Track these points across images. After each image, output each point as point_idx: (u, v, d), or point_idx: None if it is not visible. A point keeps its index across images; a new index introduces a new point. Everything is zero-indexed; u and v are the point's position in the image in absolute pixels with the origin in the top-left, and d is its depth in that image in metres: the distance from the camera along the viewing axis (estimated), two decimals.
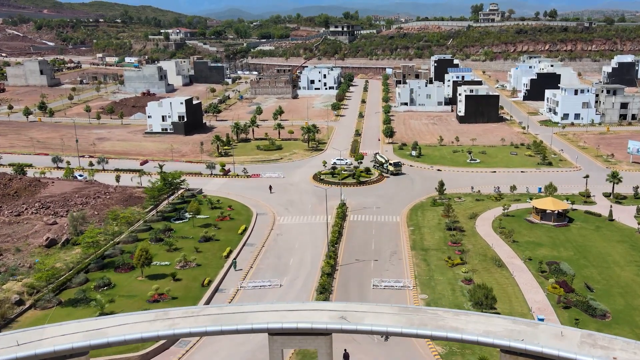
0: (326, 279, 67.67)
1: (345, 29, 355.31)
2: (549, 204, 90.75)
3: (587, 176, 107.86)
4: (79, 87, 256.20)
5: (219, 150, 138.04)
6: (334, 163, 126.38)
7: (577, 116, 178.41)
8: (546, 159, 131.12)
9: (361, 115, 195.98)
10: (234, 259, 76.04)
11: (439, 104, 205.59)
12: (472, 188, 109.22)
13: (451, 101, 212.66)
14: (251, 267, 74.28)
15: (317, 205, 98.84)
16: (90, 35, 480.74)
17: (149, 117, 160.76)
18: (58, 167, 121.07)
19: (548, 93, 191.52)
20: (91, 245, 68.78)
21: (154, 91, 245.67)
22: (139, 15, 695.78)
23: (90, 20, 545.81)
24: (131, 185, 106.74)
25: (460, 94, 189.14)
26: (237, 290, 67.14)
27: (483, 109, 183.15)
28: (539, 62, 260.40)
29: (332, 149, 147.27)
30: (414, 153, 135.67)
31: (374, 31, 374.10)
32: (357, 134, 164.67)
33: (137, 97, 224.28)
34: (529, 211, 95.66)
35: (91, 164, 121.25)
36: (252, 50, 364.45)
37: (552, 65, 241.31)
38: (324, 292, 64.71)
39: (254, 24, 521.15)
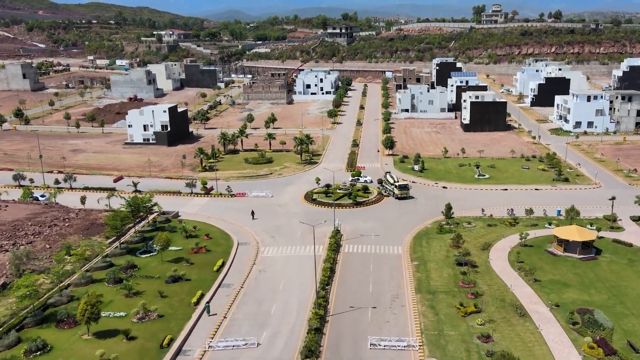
0: (313, 336, 55.54)
1: (343, 31, 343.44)
2: (573, 233, 78.58)
3: (613, 198, 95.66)
4: (63, 92, 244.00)
5: (203, 165, 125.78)
6: (351, 181, 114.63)
7: (590, 124, 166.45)
8: (562, 174, 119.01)
9: (359, 123, 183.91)
10: (208, 302, 63.91)
11: (442, 110, 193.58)
12: (483, 211, 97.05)
13: (455, 107, 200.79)
14: (225, 317, 62.06)
15: (308, 233, 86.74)
16: (82, 37, 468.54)
17: (129, 126, 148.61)
18: (20, 185, 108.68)
19: (558, 99, 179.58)
20: (27, 296, 56.50)
21: (142, 96, 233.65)
22: (135, 16, 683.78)
23: (83, 21, 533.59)
24: (97, 209, 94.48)
25: (465, 101, 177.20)
26: (205, 351, 54.94)
27: (490, 116, 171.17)
28: (546, 65, 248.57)
29: (327, 162, 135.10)
30: (416, 167, 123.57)
31: (373, 33, 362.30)
32: (355, 144, 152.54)
33: (123, 103, 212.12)
34: (549, 239, 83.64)
35: (57, 182, 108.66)
36: (247, 52, 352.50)
37: (560, 69, 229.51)
38: (310, 355, 52.59)
39: (251, 25, 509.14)
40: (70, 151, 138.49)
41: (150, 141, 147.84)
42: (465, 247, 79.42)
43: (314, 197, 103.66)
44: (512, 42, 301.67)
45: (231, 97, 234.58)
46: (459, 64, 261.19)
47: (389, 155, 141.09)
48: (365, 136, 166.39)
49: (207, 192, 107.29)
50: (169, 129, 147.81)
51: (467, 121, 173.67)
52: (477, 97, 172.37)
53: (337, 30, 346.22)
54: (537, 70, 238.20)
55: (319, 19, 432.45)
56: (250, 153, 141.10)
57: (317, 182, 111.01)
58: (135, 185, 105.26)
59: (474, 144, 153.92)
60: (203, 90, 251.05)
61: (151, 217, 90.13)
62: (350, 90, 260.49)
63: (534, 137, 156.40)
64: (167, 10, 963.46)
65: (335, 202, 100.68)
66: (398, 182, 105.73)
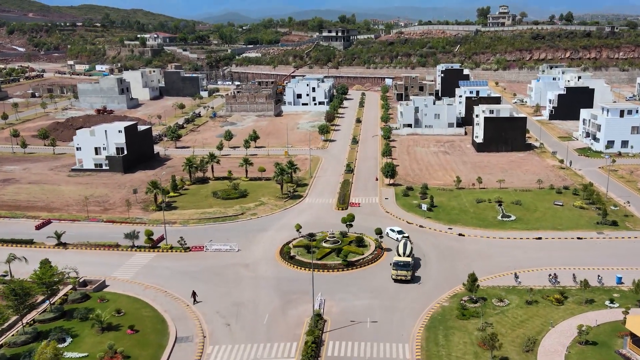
0: None
1: (339, 34, 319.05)
2: None
3: None
4: (26, 102, 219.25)
5: (158, 202, 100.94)
6: (387, 234, 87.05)
7: (624, 144, 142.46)
8: (607, 215, 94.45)
9: (355, 141, 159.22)
10: None
11: (450, 125, 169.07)
12: (517, 277, 72.38)
13: (464, 122, 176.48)
14: None
15: (279, 316, 62.31)
16: (65, 41, 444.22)
17: (77, 149, 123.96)
18: None
19: (585, 114, 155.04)
20: None
21: (113, 107, 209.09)
22: (127, 19, 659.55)
23: (67, 24, 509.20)
24: None
25: (477, 116, 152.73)
26: None
27: (506, 134, 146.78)
28: (563, 72, 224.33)
29: (313, 195, 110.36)
30: (424, 207, 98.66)
31: (372, 36, 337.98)
32: (349, 169, 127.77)
33: (88, 116, 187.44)
34: (617, 329, 59.36)
35: None
36: (237, 57, 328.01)
37: (579, 78, 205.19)
38: None
39: (244, 27, 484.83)
40: (0, 181, 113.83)
41: (104, 167, 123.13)
42: (500, 344, 54.75)
43: (292, 255, 78.90)
44: (523, 47, 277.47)
45: (212, 108, 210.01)
46: (466, 71, 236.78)
47: (390, 185, 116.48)
48: (362, 158, 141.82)
49: (154, 245, 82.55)
50: (125, 152, 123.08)
51: (480, 139, 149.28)
52: (491, 111, 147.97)
53: (333, 34, 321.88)
54: (554, 78, 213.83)
55: (314, 21, 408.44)
56: (222, 183, 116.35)
57: (297, 230, 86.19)
58: (58, 237, 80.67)
59: (490, 169, 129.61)
60: (183, 99, 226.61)
61: (61, 292, 65.25)
62: (347, 99, 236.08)
63: (561, 162, 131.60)
64: (163, 13, 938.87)
65: (319, 261, 76.09)
66: (400, 243, 76.83)
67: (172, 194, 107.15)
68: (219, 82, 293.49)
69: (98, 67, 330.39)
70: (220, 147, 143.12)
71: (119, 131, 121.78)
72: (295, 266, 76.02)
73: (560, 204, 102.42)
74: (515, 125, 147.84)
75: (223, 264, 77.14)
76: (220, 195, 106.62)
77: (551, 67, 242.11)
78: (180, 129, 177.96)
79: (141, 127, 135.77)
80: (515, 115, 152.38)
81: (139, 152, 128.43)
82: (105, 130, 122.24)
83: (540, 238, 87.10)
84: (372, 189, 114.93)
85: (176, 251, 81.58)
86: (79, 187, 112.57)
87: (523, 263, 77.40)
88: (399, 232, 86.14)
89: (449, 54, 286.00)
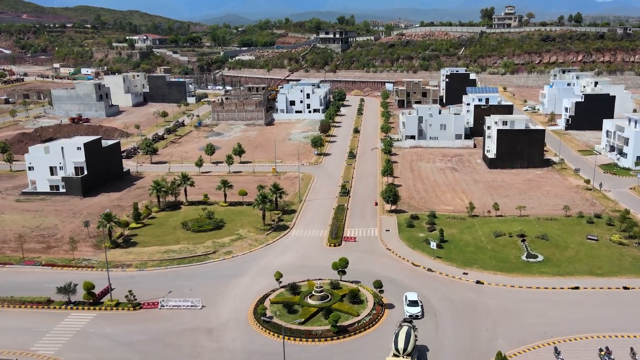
0: None
1: (337, 36, 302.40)
2: None
3: None
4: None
5: (113, 238, 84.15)
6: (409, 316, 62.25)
7: None
8: None
9: (352, 155, 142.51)
10: None
11: (458, 137, 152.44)
12: (558, 353, 55.69)
13: (472, 132, 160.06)
14: None
15: None
16: (54, 42, 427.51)
17: (29, 168, 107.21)
18: None
19: (608, 124, 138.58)
20: None
21: (90, 115, 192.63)
22: (124, 20, 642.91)
23: (56, 25, 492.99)
24: None
25: (489, 127, 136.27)
26: None
27: (522, 148, 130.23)
28: (577, 77, 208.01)
29: (301, 226, 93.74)
30: (433, 244, 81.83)
31: (372, 38, 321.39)
32: (344, 191, 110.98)
33: (59, 126, 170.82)
34: None
35: None
36: (229, 60, 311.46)
37: (596, 84, 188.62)
38: None
39: (239, 29, 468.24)
40: None
41: (60, 189, 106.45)
42: None
43: (268, 316, 62.15)
44: (532, 49, 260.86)
45: (198, 116, 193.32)
46: (472, 76, 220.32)
47: (391, 212, 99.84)
48: (360, 176, 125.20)
49: (96, 300, 65.86)
50: (85, 172, 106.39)
51: (492, 154, 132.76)
52: (505, 122, 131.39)
53: (331, 35, 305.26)
54: (568, 84, 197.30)
55: (312, 22, 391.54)
56: (196, 208, 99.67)
57: (277, 280, 69.49)
58: None
59: (505, 190, 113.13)
60: (169, 106, 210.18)
61: None
62: (344, 106, 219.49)
63: (587, 182, 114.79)
64: (163, 15, 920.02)
65: (303, 326, 59.48)
66: (399, 332, 54.14)
67: (134, 225, 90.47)
68: (210, 87, 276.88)
69: (83, 71, 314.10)
70: (199, 164, 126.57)
71: (78, 148, 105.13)
72: (272, 333, 59.30)
73: (595, 238, 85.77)
74: (532, 139, 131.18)
75: (180, 329, 60.52)
76: (191, 226, 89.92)
77: (564, 72, 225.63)
78: (159, 140, 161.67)
79: (109, 142, 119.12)
80: (532, 127, 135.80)
81: (103, 171, 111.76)
82: (62, 147, 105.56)
83: (577, 287, 70.45)
84: (371, 216, 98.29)
85: (123, 309, 64.85)
86: (25, 215, 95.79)
87: (561, 327, 60.82)
88: (411, 303, 63.88)
89: (453, 57, 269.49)
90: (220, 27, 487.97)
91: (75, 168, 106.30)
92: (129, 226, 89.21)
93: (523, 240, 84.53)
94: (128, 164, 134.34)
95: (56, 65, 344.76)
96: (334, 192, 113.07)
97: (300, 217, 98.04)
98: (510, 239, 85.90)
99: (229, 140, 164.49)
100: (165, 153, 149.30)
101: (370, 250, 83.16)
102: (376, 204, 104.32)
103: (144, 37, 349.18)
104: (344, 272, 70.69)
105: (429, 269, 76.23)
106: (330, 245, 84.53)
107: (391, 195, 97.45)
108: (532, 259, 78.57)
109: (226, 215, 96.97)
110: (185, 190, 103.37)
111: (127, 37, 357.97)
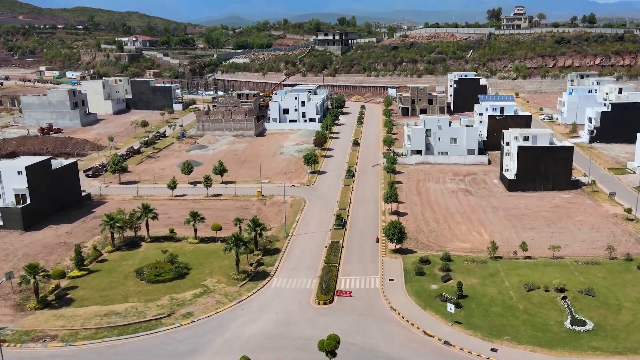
0: None
1: (337, 38, 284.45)
2: None
3: None
4: None
5: (42, 294, 66.28)
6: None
7: None
8: None
9: (350, 174, 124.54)
10: None
11: (470, 152, 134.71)
12: None
13: (486, 146, 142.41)
14: None
15: None
16: (42, 44, 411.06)
17: None
18: None
19: None
20: None
21: (63, 124, 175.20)
22: (122, 21, 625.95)
23: (47, 26, 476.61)
24: None
25: (507, 143, 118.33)
26: None
27: (547, 168, 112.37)
28: (597, 83, 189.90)
29: (285, 271, 75.92)
30: (451, 307, 63.48)
31: (373, 40, 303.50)
32: (339, 222, 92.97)
33: (24, 138, 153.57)
34: None
35: None
36: (222, 63, 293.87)
37: (620, 90, 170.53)
38: None
39: (236, 30, 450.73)
40: None
41: None
42: None
43: None
44: (545, 52, 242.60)
45: (182, 126, 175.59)
46: (483, 81, 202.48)
47: (396, 251, 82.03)
48: (359, 200, 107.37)
49: None
50: (28, 200, 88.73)
51: (512, 175, 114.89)
52: (526, 137, 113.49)
53: (330, 37, 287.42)
54: (589, 91, 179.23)
55: (311, 23, 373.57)
56: (159, 247, 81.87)
57: None
58: None
59: (530, 220, 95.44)
60: (153, 113, 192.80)
61: None
62: (343, 113, 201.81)
63: (629, 211, 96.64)
64: (164, 16, 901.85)
65: None
66: None
67: (74, 273, 72.73)
68: (200, 92, 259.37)
69: (69, 74, 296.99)
70: (172, 186, 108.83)
71: (19, 172, 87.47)
72: None
73: None
74: (559, 157, 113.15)
75: None
76: (147, 275, 72.06)
77: (582, 76, 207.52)
78: (134, 154, 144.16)
79: (63, 162, 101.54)
80: (558, 142, 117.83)
81: (53, 198, 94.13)
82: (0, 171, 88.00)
83: None
84: (371, 258, 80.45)
85: None
86: None
87: None
88: None
89: (461, 60, 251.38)
90: (218, 29, 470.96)
91: (16, 196, 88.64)
92: (68, 275, 71.37)
93: (564, 298, 66.64)
94: (92, 185, 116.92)
95: (42, 68, 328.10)
96: (328, 222, 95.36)
97: (285, 258, 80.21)
98: (546, 295, 68.02)
99: (213, 154, 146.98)
100: (139, 170, 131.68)
101: (370, 310, 65.35)
102: (377, 240, 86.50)
103: (133, 39, 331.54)
104: (334, 355, 52.82)
105: (445, 342, 58.47)
106: (319, 303, 66.72)
107: (396, 234, 79.57)
108: (579, 327, 60.74)
109: (194, 256, 79.24)
110: (147, 224, 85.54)
111: (116, 39, 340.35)
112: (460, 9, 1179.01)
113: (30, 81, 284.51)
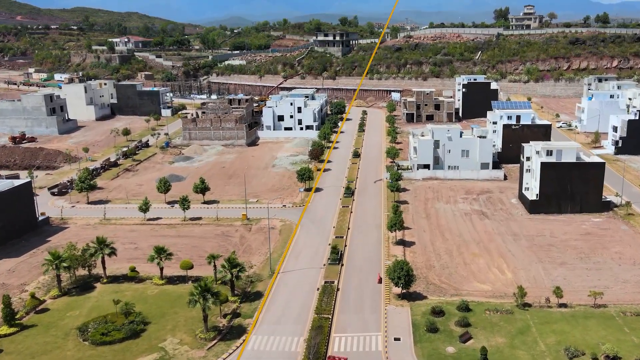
0: None
1: (337, 38, 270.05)
2: None
3: None
4: None
5: None
6: None
7: None
8: None
9: (349, 192, 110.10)
10: None
11: (484, 166, 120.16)
12: None
13: (501, 159, 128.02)
14: None
15: None
16: (34, 45, 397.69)
17: None
18: None
19: None
20: None
21: (40, 132, 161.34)
22: (122, 22, 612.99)
23: (40, 26, 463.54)
24: None
25: (528, 159, 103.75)
26: None
27: (574, 187, 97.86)
28: (618, 87, 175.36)
29: (266, 327, 61.52)
30: None
31: (376, 41, 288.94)
32: (335, 257, 78.47)
33: None
34: None
35: None
36: (218, 65, 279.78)
37: None
38: None
39: (235, 31, 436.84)
40: None
41: None
42: None
43: None
44: (559, 54, 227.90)
45: (167, 134, 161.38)
46: (494, 85, 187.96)
47: (403, 296, 67.62)
48: (359, 226, 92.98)
49: None
50: None
51: (533, 195, 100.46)
52: (549, 152, 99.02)
53: (330, 38, 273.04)
54: (611, 96, 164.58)
55: (311, 24, 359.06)
56: (117, 289, 67.71)
57: None
58: None
59: (559, 252, 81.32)
60: (139, 119, 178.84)
61: None
62: (343, 119, 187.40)
63: None
64: (165, 17, 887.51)
65: None
66: None
67: (2, 331, 58.47)
68: (192, 96, 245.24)
69: (57, 77, 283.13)
70: (144, 208, 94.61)
71: None
72: None
73: None
74: (588, 175, 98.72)
75: None
76: (91, 335, 57.72)
77: (600, 80, 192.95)
78: (110, 167, 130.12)
79: (14, 182, 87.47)
80: (586, 158, 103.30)
81: (5, 221, 79.89)
82: None
83: None
84: (372, 306, 66.06)
85: None
86: None
87: None
88: None
89: (468, 62, 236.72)
90: (216, 29, 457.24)
91: None
92: None
93: None
94: (56, 206, 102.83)
95: (30, 70, 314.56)
96: (322, 254, 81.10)
97: (268, 307, 65.83)
98: None
99: (198, 167, 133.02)
100: (114, 186, 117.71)
101: None
102: (380, 281, 72.11)
103: (125, 40, 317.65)
104: None
105: None
106: None
107: (402, 277, 65.19)
108: None
109: (157, 304, 65.01)
110: (104, 262, 71.26)
111: (108, 40, 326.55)
112: (464, 10, 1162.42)
113: (15, 84, 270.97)
